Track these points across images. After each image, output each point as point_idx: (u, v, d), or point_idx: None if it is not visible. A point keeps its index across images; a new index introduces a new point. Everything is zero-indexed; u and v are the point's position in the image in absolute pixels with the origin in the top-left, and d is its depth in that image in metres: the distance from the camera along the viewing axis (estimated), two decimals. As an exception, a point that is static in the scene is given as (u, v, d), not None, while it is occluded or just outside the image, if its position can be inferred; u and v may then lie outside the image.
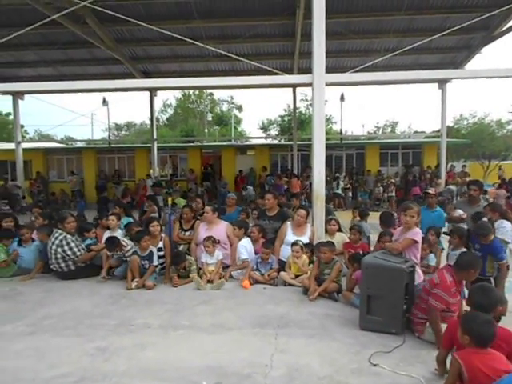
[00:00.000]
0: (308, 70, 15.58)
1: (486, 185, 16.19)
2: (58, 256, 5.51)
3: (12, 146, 18.46)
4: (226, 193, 17.57)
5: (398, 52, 7.69)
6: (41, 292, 5.18)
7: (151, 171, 18.47)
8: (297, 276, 5.39)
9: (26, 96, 18.30)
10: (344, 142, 20.71)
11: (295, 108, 19.19)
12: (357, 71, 6.38)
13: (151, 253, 5.54)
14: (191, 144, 22.59)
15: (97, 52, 14.21)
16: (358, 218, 7.58)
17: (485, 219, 4.80)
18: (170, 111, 43.42)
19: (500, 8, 8.74)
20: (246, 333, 3.93)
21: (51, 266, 5.64)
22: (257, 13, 11.96)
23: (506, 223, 5.03)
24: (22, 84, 13.97)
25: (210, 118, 41.10)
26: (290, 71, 15.34)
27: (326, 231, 6.13)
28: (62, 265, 5.57)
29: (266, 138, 38.23)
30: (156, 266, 5.56)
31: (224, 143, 24.12)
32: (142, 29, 12.84)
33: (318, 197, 6.00)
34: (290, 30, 13.22)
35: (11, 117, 32.04)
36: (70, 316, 4.34)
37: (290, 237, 5.86)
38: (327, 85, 5.83)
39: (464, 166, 19.10)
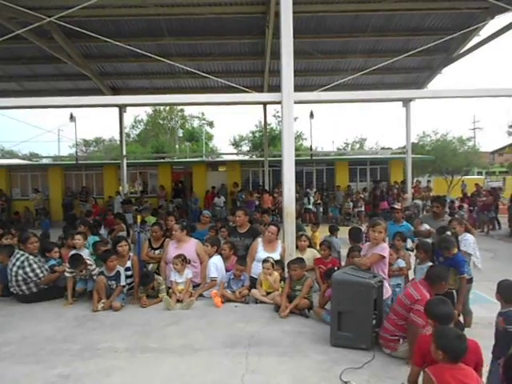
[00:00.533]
0: (278, 88, 15.83)
1: (449, 199, 16.84)
2: (19, 278, 5.25)
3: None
4: (196, 209, 17.49)
5: (364, 72, 7.95)
6: (-1, 317, 4.92)
7: (120, 188, 18.11)
8: (268, 293, 5.35)
9: (-12, 111, 17.72)
10: (314, 158, 21.07)
11: (266, 125, 19.44)
12: (324, 90, 6.54)
13: (118, 273, 5.38)
14: (162, 160, 22.37)
15: (64, 67, 13.92)
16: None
17: (448, 233, 4.96)
18: (141, 127, 43.00)
19: (458, 31, 9.25)
20: (216, 353, 3.85)
21: (11, 289, 5.36)
22: (227, 31, 12.13)
23: (468, 236, 5.22)
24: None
25: (181, 134, 40.93)
26: (260, 88, 15.57)
27: (297, 247, 6.14)
28: (24, 287, 5.31)
29: (237, 154, 38.36)
30: (123, 287, 5.40)
31: (195, 159, 24.06)
32: (110, 45, 12.67)
33: (289, 213, 6.03)
34: (259, 49, 13.47)
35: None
36: (31, 342, 4.13)
37: (261, 253, 5.83)
38: (296, 103, 5.94)
39: (429, 181, 19.80)
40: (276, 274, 5.43)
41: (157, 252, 6.37)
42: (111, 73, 14.97)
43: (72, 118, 19.05)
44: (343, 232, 8.00)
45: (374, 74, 13.09)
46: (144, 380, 3.34)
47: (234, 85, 6.66)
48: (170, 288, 5.57)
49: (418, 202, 16.32)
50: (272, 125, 33.42)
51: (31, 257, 5.36)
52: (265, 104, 17.66)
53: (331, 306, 4.10)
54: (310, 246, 6.27)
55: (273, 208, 15.80)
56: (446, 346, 2.54)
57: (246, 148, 42.25)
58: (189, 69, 8.49)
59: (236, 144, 42.47)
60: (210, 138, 43.13)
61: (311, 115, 19.34)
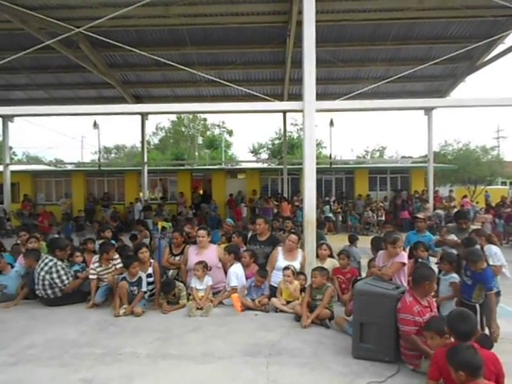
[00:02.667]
0: (298, 96, 15.89)
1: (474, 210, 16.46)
2: (46, 283, 5.37)
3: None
4: (215, 216, 17.57)
5: (387, 80, 7.91)
6: (24, 319, 5.02)
7: (141, 194, 18.37)
8: (288, 302, 5.33)
9: (16, 118, 18.25)
10: (334, 166, 20.93)
11: (285, 133, 19.48)
12: (346, 99, 6.52)
13: (140, 279, 5.45)
14: (182, 167, 22.61)
15: (89, 76, 14.33)
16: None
17: (478, 246, 4.84)
18: (162, 134, 43.66)
19: (483, 39, 9.11)
20: (236, 362, 3.84)
21: (37, 292, 5.49)
22: (249, 41, 12.28)
23: (493, 248, 5.08)
24: (13, 108, 13.88)
25: (201, 142, 41.36)
26: (280, 97, 15.64)
27: (318, 256, 6.10)
28: (49, 291, 5.43)
29: (256, 161, 38.51)
30: (145, 293, 5.46)
31: (215, 167, 24.22)
32: (134, 54, 13.04)
33: (309, 221, 6.01)
34: (280, 58, 13.57)
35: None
36: (55, 345, 4.20)
37: (281, 262, 5.81)
38: (317, 111, 5.93)
39: (451, 191, 19.39)
40: (296, 282, 5.40)
41: (177, 258, 6.41)
42: (134, 81, 15.30)
43: (95, 125, 19.47)
44: (363, 241, 7.94)
45: (396, 82, 13.00)
46: (165, 386, 3.36)
47: (256, 93, 6.71)
48: (189, 295, 5.60)
49: (440, 212, 16.00)
50: (291, 133, 33.36)
51: (59, 262, 5.48)
52: (285, 112, 17.72)
53: (353, 317, 4.05)
54: (330, 256, 6.21)
55: (291, 216, 15.73)
56: (460, 362, 2.50)
57: (264, 156, 42.37)
58: (210, 77, 8.62)
59: (255, 151, 42.65)
60: (228, 145, 43.45)
61: (331, 123, 19.27)
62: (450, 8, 10.52)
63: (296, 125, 40.77)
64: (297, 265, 5.76)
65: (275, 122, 29.47)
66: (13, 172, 17.67)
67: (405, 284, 4.14)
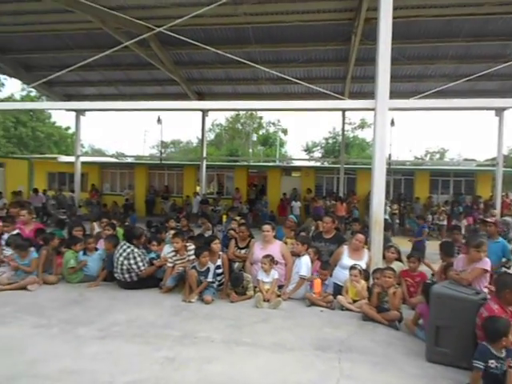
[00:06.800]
0: (359, 94, 15.55)
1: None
2: (124, 268, 5.78)
3: (71, 159, 19.61)
4: (267, 213, 17.72)
5: (464, 79, 7.60)
6: (106, 299, 5.43)
7: (198, 188, 18.94)
8: (354, 301, 5.33)
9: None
10: (392, 167, 20.33)
11: (343, 131, 19.19)
12: (421, 97, 6.35)
13: (208, 269, 5.68)
14: (238, 163, 23.00)
15: (156, 73, 14.97)
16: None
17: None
18: (217, 130, 44.63)
19: None
20: (307, 354, 3.92)
21: (115, 275, 5.91)
22: (312, 38, 12.25)
23: None
24: (88, 103, 14.95)
25: (255, 139, 41.78)
26: (340, 95, 15.43)
27: (384, 258, 6.03)
28: (126, 275, 5.82)
29: (308, 159, 38.28)
30: (212, 282, 5.67)
31: (270, 164, 24.38)
32: (200, 52, 13.49)
33: (377, 222, 5.95)
34: (343, 55, 13.40)
35: (70, 131, 34.25)
36: (136, 324, 4.52)
37: (346, 260, 5.82)
38: (390, 110, 5.85)
39: (521, 197, 18.16)
40: (363, 282, 5.38)
41: (242, 251, 6.60)
42: (197, 78, 15.77)
43: (159, 120, 20.32)
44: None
45: (467, 80, 12.43)
46: (242, 371, 3.51)
47: (327, 91, 6.69)
48: (255, 287, 5.76)
49: (508, 218, 15.05)
50: (347, 131, 32.78)
51: (136, 249, 5.88)
52: (344, 111, 17.49)
53: (428, 319, 3.98)
54: (398, 260, 6.09)
55: (346, 216, 15.53)
56: None
57: (318, 154, 42.00)
58: (277, 73, 8.69)
59: (308, 150, 42.40)
60: (282, 144, 43.56)
61: (392, 123, 18.71)
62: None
63: (350, 124, 40.03)
64: (362, 264, 5.73)
65: (330, 120, 29.07)
66: (82, 163, 18.88)
67: (485, 290, 4.00)
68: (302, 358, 3.83)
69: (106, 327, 4.38)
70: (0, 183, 17.67)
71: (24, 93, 32.38)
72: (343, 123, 18.22)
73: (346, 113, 22.75)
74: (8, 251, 6.26)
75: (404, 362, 3.83)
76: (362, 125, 40.75)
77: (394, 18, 10.32)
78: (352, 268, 5.40)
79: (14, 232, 6.62)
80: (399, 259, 6.13)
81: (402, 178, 19.53)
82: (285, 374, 3.51)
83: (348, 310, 5.24)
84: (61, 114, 63.39)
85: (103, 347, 3.87)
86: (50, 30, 12.18)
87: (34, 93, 30.50)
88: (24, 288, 5.69)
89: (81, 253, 6.36)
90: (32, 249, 6.06)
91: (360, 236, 5.86)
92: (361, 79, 15.04)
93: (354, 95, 15.47)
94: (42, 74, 13.68)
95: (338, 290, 5.64)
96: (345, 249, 5.98)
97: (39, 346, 3.83)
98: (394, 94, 6.10)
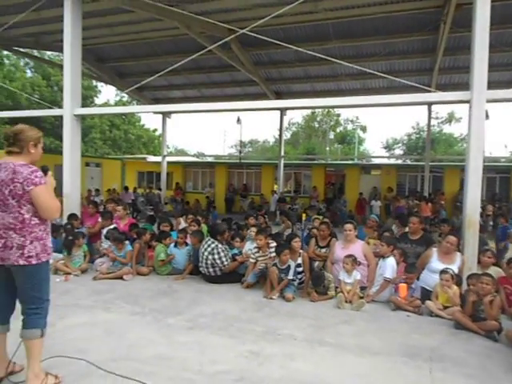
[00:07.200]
0: (447, 86, 14.53)
1: None
2: (208, 262, 6.05)
3: (158, 159, 20.99)
4: (345, 212, 17.27)
5: None
6: (192, 292, 5.71)
7: (275, 187, 19.12)
8: (445, 307, 4.98)
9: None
10: (485, 164, 18.68)
11: (429, 126, 18.07)
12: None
13: (289, 267, 5.70)
14: (316, 162, 22.79)
15: (236, 74, 15.40)
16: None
17: None
18: (294, 129, 44.64)
19: None
20: (395, 360, 3.74)
21: (200, 269, 6.21)
22: (395, 30, 11.70)
23: None
24: (173, 105, 15.88)
25: (332, 137, 41.06)
26: (427, 87, 14.54)
27: (479, 262, 5.55)
28: (210, 270, 6.08)
29: (389, 157, 36.67)
30: (293, 280, 5.68)
31: (348, 162, 23.80)
32: (279, 52, 13.58)
33: (471, 222, 5.50)
34: (430, 46, 12.60)
35: (157, 133, 36.64)
36: (221, 317, 4.68)
37: (436, 263, 5.48)
38: (488, 102, 5.36)
39: None
40: (455, 287, 5.02)
41: (323, 250, 6.53)
42: (276, 78, 15.91)
43: (239, 120, 20.87)
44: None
45: None
46: (326, 371, 3.45)
47: (414, 84, 6.34)
48: (337, 287, 5.66)
49: None
50: (433, 126, 30.85)
51: (220, 245, 6.13)
52: (430, 104, 16.47)
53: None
54: (495, 265, 5.58)
55: (432, 217, 14.58)
56: None
57: (398, 151, 40.06)
58: (357, 66, 8.43)
59: (388, 147, 40.63)
60: (361, 141, 42.25)
61: (486, 116, 17.13)
62: None
63: (437, 118, 37.53)
64: (454, 269, 5.34)
65: (413, 115, 27.51)
66: (168, 163, 20.09)
67: None
68: (389, 364, 3.67)
69: (193, 318, 4.60)
70: (97, 181, 19.48)
71: (117, 98, 35.38)
72: (429, 117, 17.16)
73: (433, 106, 21.43)
74: (106, 244, 6.89)
75: (504, 379, 3.48)
76: (450, 119, 38.03)
77: (492, 1, 9.52)
78: (443, 272, 5.06)
79: (111, 226, 7.25)
80: (497, 264, 5.61)
81: (496, 177, 17.86)
82: (371, 379, 3.39)
83: (438, 316, 4.92)
84: (149, 118, 68.08)
85: (192, 337, 4.07)
86: (141, 39, 13.11)
87: (125, 98, 33.14)
88: (120, 278, 6.21)
89: (172, 245, 6.78)
90: (127, 242, 6.60)
91: (452, 238, 5.46)
92: (449, 70, 14.05)
93: (441, 87, 14.43)
94: (134, 80, 14.84)
95: (425, 294, 5.33)
96: (434, 251, 5.63)
97: (136, 332, 4.14)
98: (489, 85, 5.58)
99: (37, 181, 2.78)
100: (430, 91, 6.09)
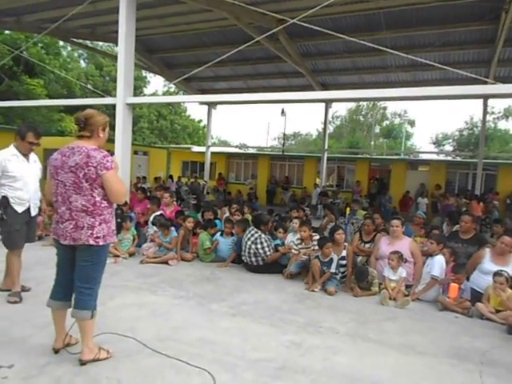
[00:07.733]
0: (506, 79, 13.71)
1: None
2: (251, 251, 6.12)
3: (202, 149, 21.35)
4: (390, 208, 16.77)
5: None
6: (235, 280, 5.80)
7: (318, 180, 18.91)
8: (497, 311, 4.75)
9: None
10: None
11: (484, 121, 17.10)
12: None
13: (331, 260, 5.64)
14: (360, 156, 22.30)
15: (282, 66, 15.30)
16: None
17: None
18: (337, 122, 43.83)
19: None
20: (442, 362, 3.62)
21: (243, 258, 6.29)
22: (452, 19, 11.13)
23: None
24: (218, 96, 16.04)
25: (378, 131, 39.92)
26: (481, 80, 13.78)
27: (537, 266, 5.22)
28: (253, 259, 6.15)
29: (438, 153, 35.20)
30: (335, 274, 5.62)
31: (394, 157, 23.10)
32: (326, 42, 13.33)
33: (530, 224, 5.17)
34: (488, 36, 11.90)
35: (201, 123, 37.27)
36: (263, 306, 4.72)
37: (488, 265, 5.22)
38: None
39: None
40: (510, 291, 4.76)
41: (367, 246, 6.40)
42: (323, 69, 15.66)
43: (283, 112, 20.77)
44: None
45: None
46: (369, 367, 3.40)
47: (473, 75, 6.00)
48: (380, 284, 5.54)
49: None
50: (488, 122, 29.25)
51: (263, 235, 6.19)
52: (486, 97, 15.61)
53: None
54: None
55: (483, 217, 13.86)
56: None
57: (448, 147, 38.34)
58: (410, 56, 8.10)
59: (438, 143, 38.97)
60: (408, 136, 40.77)
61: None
62: None
63: (493, 113, 35.52)
64: (509, 271, 5.05)
65: (466, 110, 26.18)
66: (211, 153, 20.38)
67: None
68: (436, 365, 3.55)
69: (235, 305, 4.67)
70: (145, 169, 20.13)
71: (165, 89, 36.27)
72: (484, 112, 16.24)
73: (488, 101, 20.27)
74: (152, 229, 7.13)
75: (562, 389, 3.28)
76: (507, 114, 35.87)
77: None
78: (497, 274, 4.81)
79: (158, 212, 7.47)
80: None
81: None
82: (416, 378, 3.29)
83: (488, 319, 4.70)
84: (194, 109, 69.30)
85: (234, 324, 4.13)
86: (190, 30, 13.31)
87: (172, 88, 33.91)
88: (166, 262, 6.41)
89: (218, 234, 6.91)
90: (173, 228, 6.79)
91: (507, 239, 5.17)
92: (510, 62, 13.21)
93: (500, 80, 13.55)
94: (181, 70, 15.14)
95: (476, 296, 5.10)
96: (487, 252, 5.36)
97: (180, 315, 4.26)
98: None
99: (108, 165, 2.90)
100: (487, 83, 5.72)
